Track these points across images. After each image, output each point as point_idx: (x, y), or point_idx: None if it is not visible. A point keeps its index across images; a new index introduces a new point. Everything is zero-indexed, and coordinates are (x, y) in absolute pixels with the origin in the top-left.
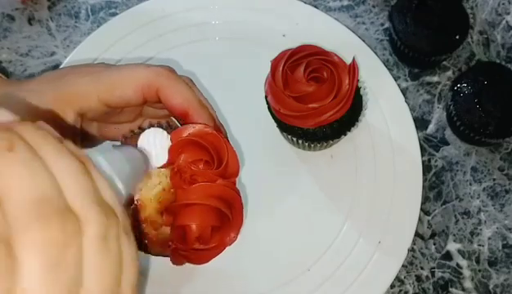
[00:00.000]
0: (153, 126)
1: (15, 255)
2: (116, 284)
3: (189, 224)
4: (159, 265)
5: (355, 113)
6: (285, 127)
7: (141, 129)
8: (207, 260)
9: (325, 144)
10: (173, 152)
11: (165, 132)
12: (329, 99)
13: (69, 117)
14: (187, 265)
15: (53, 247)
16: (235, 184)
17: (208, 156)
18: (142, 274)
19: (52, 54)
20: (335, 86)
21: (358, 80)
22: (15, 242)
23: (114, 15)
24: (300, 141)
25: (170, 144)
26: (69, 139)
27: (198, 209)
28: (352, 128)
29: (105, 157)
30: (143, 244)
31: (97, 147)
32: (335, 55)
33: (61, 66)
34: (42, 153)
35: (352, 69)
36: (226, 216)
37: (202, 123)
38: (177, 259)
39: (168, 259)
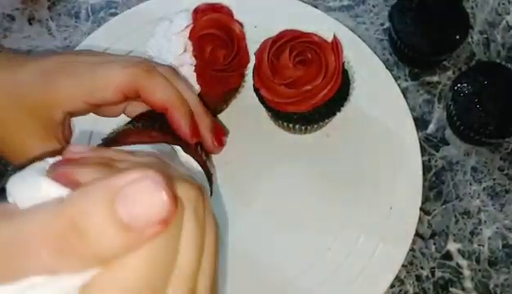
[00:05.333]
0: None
1: None
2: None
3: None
4: None
5: (344, 87)
6: (280, 115)
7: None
8: (233, 81)
9: (321, 123)
10: (197, 47)
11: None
12: (319, 79)
13: (57, 116)
14: None
15: None
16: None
17: (224, 44)
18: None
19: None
20: (322, 65)
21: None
22: None
23: (114, 14)
24: (297, 126)
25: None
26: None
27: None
28: (345, 103)
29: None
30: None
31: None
32: (315, 35)
33: None
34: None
35: (335, 45)
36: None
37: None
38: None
39: None
